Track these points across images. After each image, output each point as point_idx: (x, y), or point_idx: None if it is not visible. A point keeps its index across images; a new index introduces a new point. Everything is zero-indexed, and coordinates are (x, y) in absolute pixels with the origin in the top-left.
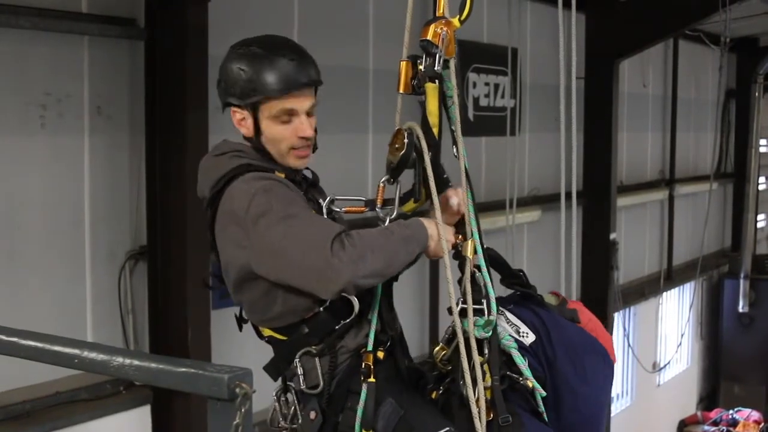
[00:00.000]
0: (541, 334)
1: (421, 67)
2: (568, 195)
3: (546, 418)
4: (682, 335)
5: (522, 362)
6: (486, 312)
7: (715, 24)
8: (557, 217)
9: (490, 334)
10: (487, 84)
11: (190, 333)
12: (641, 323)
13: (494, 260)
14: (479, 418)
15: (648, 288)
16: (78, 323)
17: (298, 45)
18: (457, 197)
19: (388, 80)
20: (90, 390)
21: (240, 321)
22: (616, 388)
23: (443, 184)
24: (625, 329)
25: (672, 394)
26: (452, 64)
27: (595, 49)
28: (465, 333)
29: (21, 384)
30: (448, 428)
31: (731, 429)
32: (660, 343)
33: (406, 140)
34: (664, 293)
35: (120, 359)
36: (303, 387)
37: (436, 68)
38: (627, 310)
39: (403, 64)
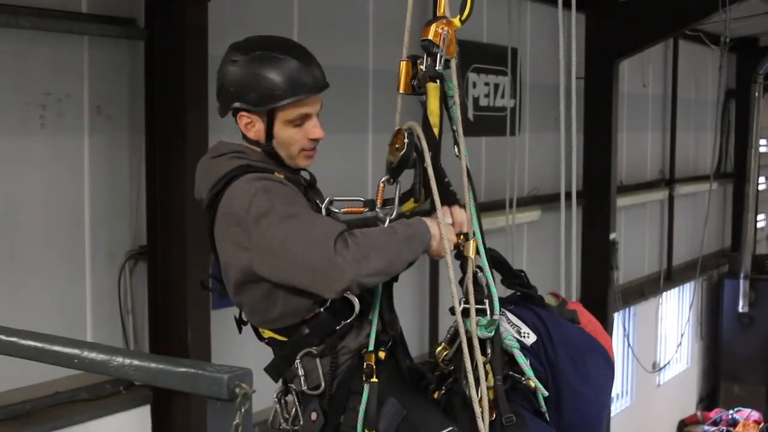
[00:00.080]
0: (542, 334)
1: (422, 67)
2: (568, 195)
3: (548, 418)
4: (681, 335)
5: (524, 362)
6: (489, 312)
7: (715, 24)
8: (557, 217)
9: (492, 333)
10: (487, 84)
11: (190, 333)
12: (641, 323)
13: (495, 260)
14: (482, 417)
15: (648, 288)
16: (78, 323)
17: (302, 46)
18: (460, 217)
19: (388, 80)
20: (90, 390)
21: (239, 323)
22: (616, 388)
23: (444, 186)
24: (624, 329)
25: (672, 394)
26: (453, 63)
27: (595, 49)
28: (468, 333)
29: (21, 384)
30: (451, 428)
31: (731, 429)
32: (660, 343)
33: (406, 140)
34: (664, 293)
35: (120, 359)
36: (304, 388)
37: (437, 68)
38: (627, 310)
39: (403, 64)
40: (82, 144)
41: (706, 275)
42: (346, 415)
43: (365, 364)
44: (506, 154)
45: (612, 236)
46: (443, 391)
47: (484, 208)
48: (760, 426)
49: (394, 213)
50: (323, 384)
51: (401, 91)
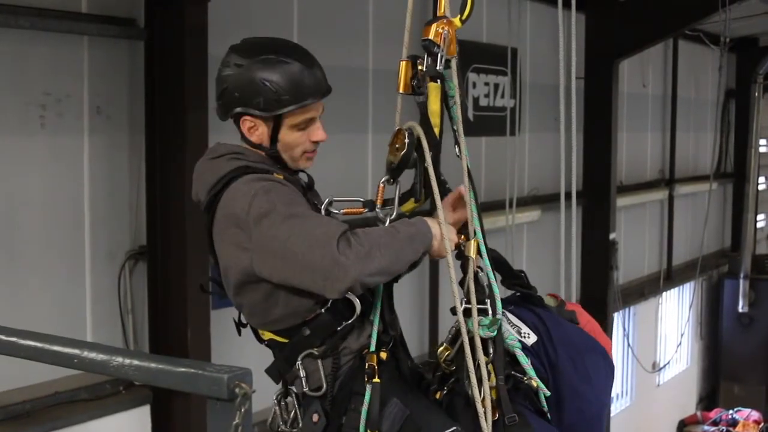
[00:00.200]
0: (542, 335)
1: (421, 67)
2: (568, 195)
3: (549, 418)
4: (681, 335)
5: (526, 362)
6: (491, 311)
7: (715, 24)
8: (557, 217)
9: (495, 333)
10: (486, 84)
11: (190, 333)
12: (641, 323)
13: (496, 261)
14: (485, 417)
15: (648, 288)
16: (78, 323)
17: (303, 48)
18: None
19: (388, 80)
20: (89, 390)
21: (239, 325)
22: (616, 388)
23: (441, 186)
24: (624, 329)
25: (672, 394)
26: (454, 63)
27: (595, 49)
28: (469, 333)
29: (21, 384)
30: (455, 428)
31: (731, 429)
32: (660, 343)
33: (407, 140)
34: (664, 293)
35: (119, 359)
36: (306, 389)
37: (438, 68)
38: (627, 310)
39: (403, 64)
40: (81, 144)
41: (706, 275)
42: (347, 416)
43: (367, 364)
44: (506, 154)
45: (612, 236)
46: (445, 392)
47: (484, 208)
48: (760, 426)
49: (395, 213)
50: (325, 385)
51: (401, 91)
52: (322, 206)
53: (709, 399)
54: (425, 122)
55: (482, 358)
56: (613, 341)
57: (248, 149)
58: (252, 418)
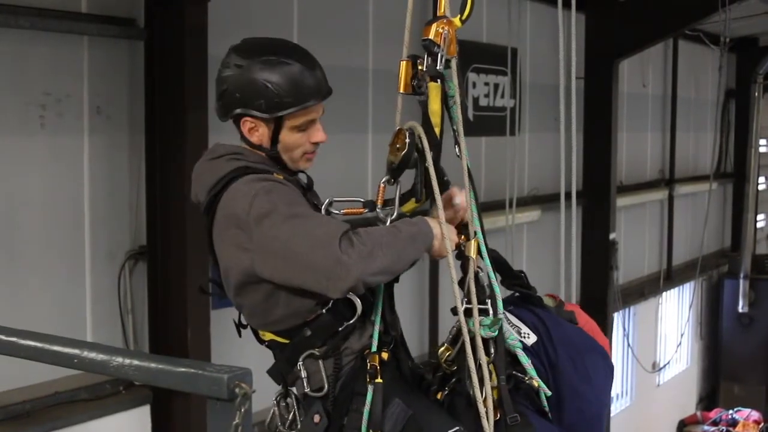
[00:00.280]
0: (542, 335)
1: (422, 67)
2: (568, 195)
3: (550, 418)
4: (681, 335)
5: (526, 361)
6: (492, 311)
7: (715, 24)
8: (557, 217)
9: (496, 333)
10: (486, 84)
11: (190, 333)
12: (641, 323)
13: (495, 261)
14: (487, 417)
15: (648, 288)
16: (78, 323)
17: (303, 48)
18: (461, 196)
19: (388, 80)
20: (89, 390)
21: (239, 326)
22: (615, 388)
23: (444, 186)
24: (624, 329)
25: (672, 394)
26: (454, 63)
27: (595, 49)
28: (471, 333)
29: (21, 384)
30: (457, 428)
31: (731, 429)
32: (660, 343)
33: (407, 140)
34: (664, 293)
35: (119, 359)
36: (307, 390)
37: (438, 68)
38: (627, 310)
39: (403, 63)
40: (81, 144)
41: (706, 275)
42: (349, 416)
43: (369, 364)
44: (506, 154)
45: (612, 236)
46: (446, 392)
47: (484, 208)
48: (760, 426)
49: (395, 213)
50: (326, 386)
51: (401, 91)
52: (323, 207)
53: (709, 399)
54: (426, 122)
55: (484, 358)
56: (613, 341)
57: (248, 150)
58: (252, 418)
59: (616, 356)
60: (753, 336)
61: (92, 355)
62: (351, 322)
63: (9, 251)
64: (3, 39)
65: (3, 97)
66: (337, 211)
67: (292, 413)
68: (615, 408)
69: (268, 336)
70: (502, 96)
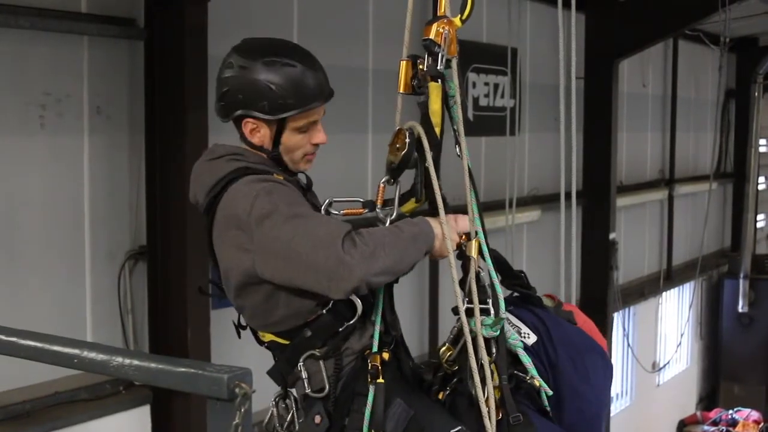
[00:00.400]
0: (542, 335)
1: (422, 67)
2: (568, 195)
3: (551, 417)
4: (681, 335)
5: (528, 361)
6: (493, 311)
7: (715, 24)
8: (557, 217)
9: (498, 333)
10: (486, 84)
11: (190, 333)
12: (641, 323)
13: (496, 261)
14: (489, 417)
15: (648, 288)
16: (78, 323)
17: (305, 49)
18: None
19: (388, 80)
20: (89, 390)
21: (238, 327)
22: (615, 388)
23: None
24: (624, 329)
25: (671, 394)
26: (454, 63)
27: (595, 49)
28: (472, 332)
29: (21, 384)
30: (459, 428)
31: (731, 429)
32: (659, 343)
33: (407, 140)
34: (664, 293)
35: (119, 359)
36: (308, 391)
37: (438, 67)
38: (626, 310)
39: (403, 63)
40: (81, 144)
41: (706, 275)
42: (351, 417)
43: (370, 365)
44: (506, 154)
45: (612, 236)
46: (447, 392)
47: (484, 208)
48: (760, 426)
49: (395, 213)
50: (327, 386)
51: (401, 90)
52: (322, 207)
53: (709, 399)
54: (426, 122)
55: (485, 358)
56: (613, 341)
57: (248, 150)
58: (252, 418)
59: (617, 356)
60: (753, 336)
61: (92, 355)
62: (351, 322)
63: (9, 251)
64: (3, 39)
65: (3, 97)
66: (336, 212)
67: (290, 414)
68: (615, 408)
69: (268, 337)
70: (502, 96)
